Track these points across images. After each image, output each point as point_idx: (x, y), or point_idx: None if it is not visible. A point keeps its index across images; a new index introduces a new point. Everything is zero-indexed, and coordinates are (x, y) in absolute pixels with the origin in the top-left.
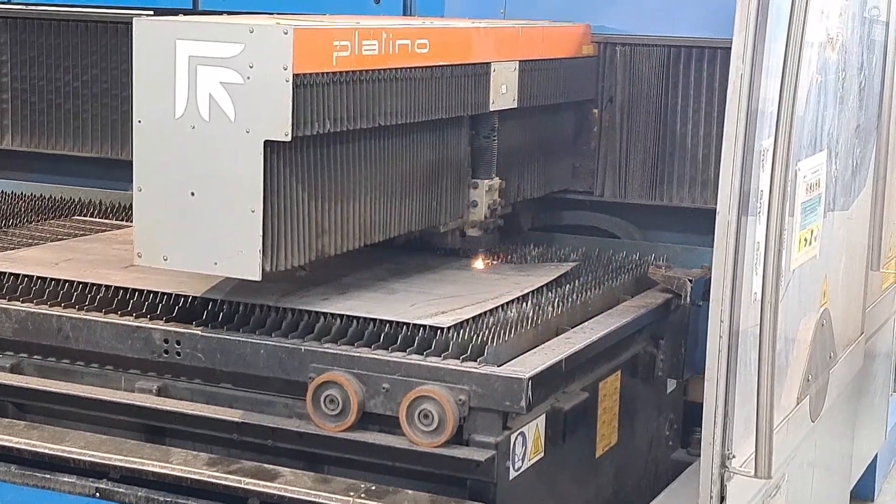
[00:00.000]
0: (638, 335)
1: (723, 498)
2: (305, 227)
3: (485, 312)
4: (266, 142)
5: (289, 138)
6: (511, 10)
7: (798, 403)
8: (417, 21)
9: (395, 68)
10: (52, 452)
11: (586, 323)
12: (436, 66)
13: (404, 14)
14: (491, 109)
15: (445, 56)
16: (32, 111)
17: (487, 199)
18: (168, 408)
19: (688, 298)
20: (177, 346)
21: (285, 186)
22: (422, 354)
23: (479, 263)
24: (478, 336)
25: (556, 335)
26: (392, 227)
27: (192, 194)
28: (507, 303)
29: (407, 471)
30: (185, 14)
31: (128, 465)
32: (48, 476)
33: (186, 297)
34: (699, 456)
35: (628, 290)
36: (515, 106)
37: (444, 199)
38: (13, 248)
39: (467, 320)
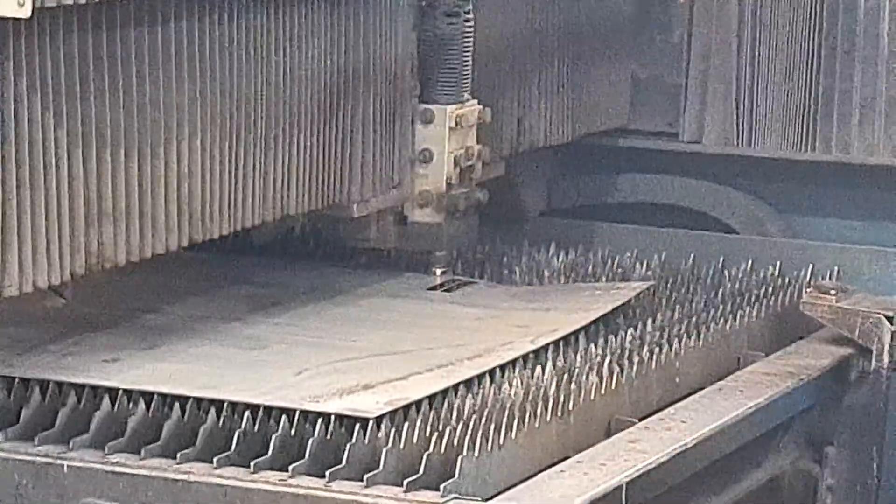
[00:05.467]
0: (780, 438)
1: None
2: (63, 205)
3: (452, 388)
4: None
5: (27, 13)
6: None
7: None
8: None
9: None
10: None
11: (671, 410)
12: None
13: None
14: None
15: None
16: None
17: (454, 144)
18: None
19: (885, 357)
20: None
21: (20, 117)
22: (321, 477)
23: (438, 282)
24: (439, 437)
25: (607, 435)
26: (250, 207)
27: None
28: (500, 367)
29: None
30: None
31: None
32: None
33: None
34: None
35: (759, 341)
36: None
37: (360, 150)
38: None
39: (416, 404)
